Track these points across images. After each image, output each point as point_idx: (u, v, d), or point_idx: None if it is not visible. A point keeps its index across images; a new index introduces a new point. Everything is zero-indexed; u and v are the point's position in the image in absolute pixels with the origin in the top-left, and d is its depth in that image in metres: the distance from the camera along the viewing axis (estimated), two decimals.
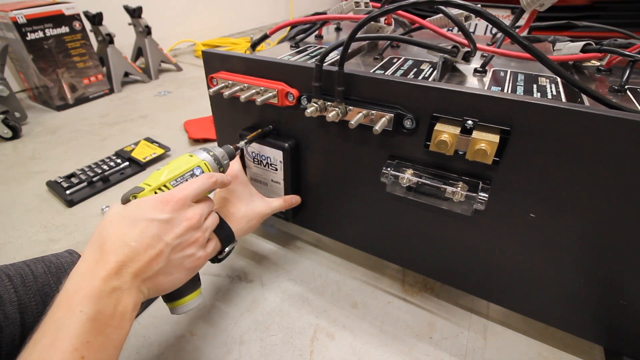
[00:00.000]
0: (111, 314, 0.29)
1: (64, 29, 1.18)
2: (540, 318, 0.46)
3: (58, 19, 1.16)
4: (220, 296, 0.55)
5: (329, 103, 0.43)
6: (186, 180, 0.38)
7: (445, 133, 0.36)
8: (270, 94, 0.46)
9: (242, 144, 0.48)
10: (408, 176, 0.41)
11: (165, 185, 0.37)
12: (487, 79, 0.48)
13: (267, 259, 0.63)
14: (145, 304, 0.52)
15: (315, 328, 0.51)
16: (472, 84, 0.47)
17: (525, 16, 0.55)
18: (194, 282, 0.39)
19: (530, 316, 0.46)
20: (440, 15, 0.48)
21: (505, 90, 0.43)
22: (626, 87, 0.44)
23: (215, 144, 0.63)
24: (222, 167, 0.44)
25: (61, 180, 0.80)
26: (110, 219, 0.33)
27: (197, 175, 0.39)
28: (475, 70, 0.50)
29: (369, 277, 0.59)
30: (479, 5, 0.36)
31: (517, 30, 0.56)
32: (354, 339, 0.49)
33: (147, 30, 1.46)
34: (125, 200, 0.36)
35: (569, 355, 0.47)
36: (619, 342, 0.42)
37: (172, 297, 0.38)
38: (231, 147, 0.46)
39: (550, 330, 0.50)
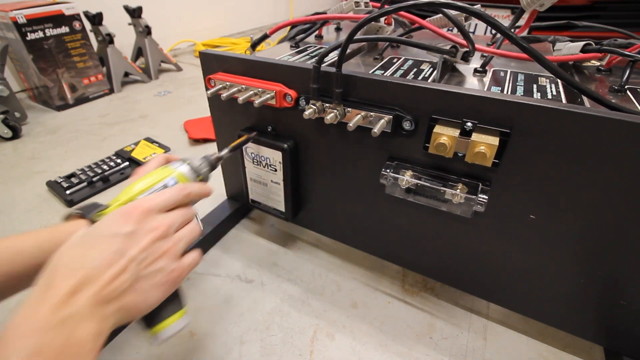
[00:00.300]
0: (61, 347, 0.24)
1: (64, 29, 1.18)
2: (540, 318, 0.46)
3: (58, 19, 1.16)
4: (220, 296, 0.56)
5: (327, 105, 0.43)
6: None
7: (445, 136, 0.36)
8: (268, 96, 0.46)
9: (224, 152, 0.44)
10: (407, 178, 0.41)
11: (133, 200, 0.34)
12: (487, 79, 0.48)
13: (267, 259, 0.63)
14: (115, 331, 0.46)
15: (315, 328, 0.51)
16: (472, 84, 0.47)
17: (525, 16, 0.55)
18: (173, 302, 0.34)
19: (530, 316, 0.47)
20: (440, 15, 0.47)
21: (505, 91, 0.43)
22: (626, 87, 0.44)
23: (215, 144, 0.63)
24: (200, 177, 0.40)
25: (61, 180, 0.80)
26: (69, 245, 0.29)
27: (170, 187, 0.36)
28: (475, 70, 0.50)
29: (368, 277, 0.59)
30: (479, 6, 0.36)
31: (517, 30, 0.56)
32: (353, 339, 0.50)
33: (147, 30, 1.46)
34: (91, 222, 0.33)
35: (569, 355, 0.48)
36: (619, 342, 0.42)
37: (150, 322, 0.32)
38: (212, 156, 0.42)
39: (550, 330, 0.50)
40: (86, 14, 1.28)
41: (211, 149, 0.97)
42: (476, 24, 1.55)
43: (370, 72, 0.48)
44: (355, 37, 0.39)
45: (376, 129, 0.39)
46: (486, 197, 0.38)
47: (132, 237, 0.30)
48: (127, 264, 0.28)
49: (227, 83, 0.49)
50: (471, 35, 0.46)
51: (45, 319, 0.24)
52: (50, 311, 0.24)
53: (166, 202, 0.33)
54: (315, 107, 0.43)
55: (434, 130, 0.37)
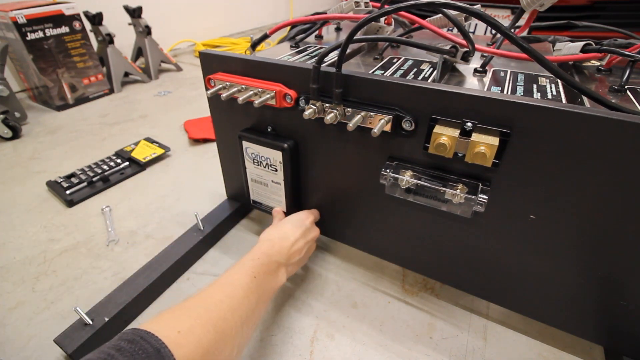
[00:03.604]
0: (267, 273, 0.43)
1: (64, 29, 1.18)
2: (540, 318, 0.46)
3: (58, 19, 1.16)
4: None
5: (327, 105, 0.43)
6: None
7: (444, 136, 0.36)
8: (268, 96, 0.46)
9: None
10: (407, 178, 0.41)
11: None
12: (487, 79, 0.48)
13: None
14: None
15: (315, 328, 0.51)
16: (472, 84, 0.47)
17: (525, 16, 0.55)
18: None
19: (530, 316, 0.47)
20: (440, 15, 0.47)
21: (505, 91, 0.43)
22: (626, 87, 0.44)
23: (215, 144, 0.63)
24: None
25: (61, 180, 0.80)
26: (273, 226, 0.53)
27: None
28: (475, 70, 0.50)
29: (368, 277, 0.59)
30: (479, 6, 0.36)
31: (517, 30, 0.56)
32: (353, 339, 0.50)
33: (147, 30, 1.46)
34: None
35: (569, 355, 0.48)
36: (619, 342, 0.42)
37: None
38: None
39: (550, 330, 0.50)
40: (86, 14, 1.28)
41: (211, 149, 0.97)
42: (476, 24, 1.55)
43: (370, 72, 0.48)
44: (355, 37, 0.39)
45: (376, 129, 0.39)
46: (486, 197, 0.38)
47: (307, 231, 0.52)
48: (304, 246, 0.50)
49: (227, 83, 0.49)
50: (471, 35, 0.46)
51: (267, 255, 0.45)
52: (268, 254, 0.45)
53: (316, 218, 0.56)
54: (315, 107, 0.43)
55: (434, 130, 0.37)
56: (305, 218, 0.53)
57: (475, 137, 0.35)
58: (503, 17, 1.48)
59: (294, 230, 0.50)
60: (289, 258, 0.47)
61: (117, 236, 0.67)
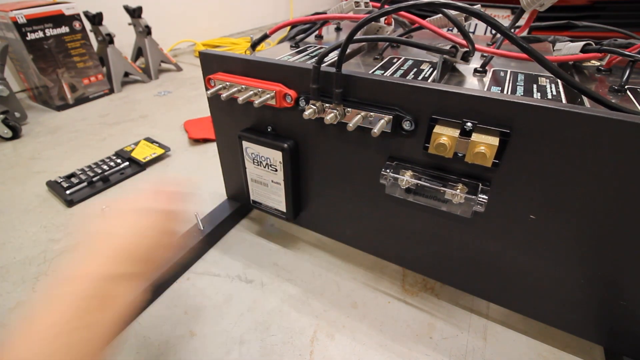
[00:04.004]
0: None
1: (64, 29, 1.18)
2: (540, 318, 0.46)
3: (58, 19, 1.16)
4: (220, 296, 0.55)
5: (327, 105, 0.43)
6: None
7: (444, 136, 0.36)
8: (268, 96, 0.46)
9: None
10: (407, 178, 0.41)
11: None
12: (487, 79, 0.48)
13: (267, 259, 0.63)
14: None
15: (315, 328, 0.51)
16: (472, 84, 0.47)
17: (525, 16, 0.55)
18: None
19: (530, 316, 0.47)
20: (440, 15, 0.47)
21: (505, 91, 0.43)
22: (626, 87, 0.44)
23: (215, 144, 0.63)
24: None
25: (61, 180, 0.80)
26: None
27: None
28: (475, 70, 0.50)
29: (368, 277, 0.59)
30: (479, 6, 0.36)
31: (517, 30, 0.56)
32: (353, 339, 0.50)
33: (147, 30, 1.46)
34: None
35: (569, 355, 0.48)
36: (619, 342, 0.42)
37: None
38: None
39: (550, 330, 0.50)
40: (86, 14, 1.28)
41: (211, 149, 0.97)
42: (476, 24, 1.55)
43: (370, 72, 0.48)
44: (355, 37, 0.39)
45: (376, 129, 0.39)
46: (486, 197, 0.38)
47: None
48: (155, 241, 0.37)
49: (227, 83, 0.49)
50: (471, 35, 0.46)
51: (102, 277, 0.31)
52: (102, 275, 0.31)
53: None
54: (315, 107, 0.43)
55: (434, 130, 0.37)
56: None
57: (475, 137, 0.35)
58: (503, 17, 1.48)
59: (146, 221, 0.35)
60: (138, 264, 0.33)
61: None
